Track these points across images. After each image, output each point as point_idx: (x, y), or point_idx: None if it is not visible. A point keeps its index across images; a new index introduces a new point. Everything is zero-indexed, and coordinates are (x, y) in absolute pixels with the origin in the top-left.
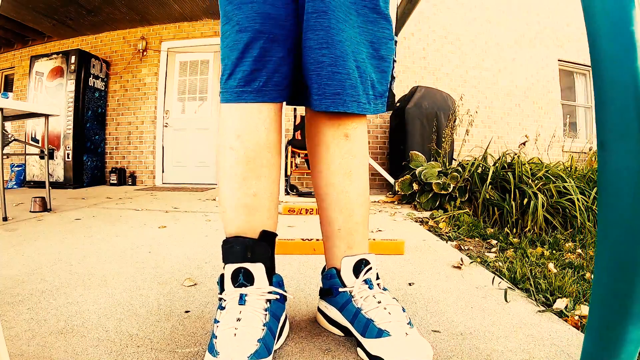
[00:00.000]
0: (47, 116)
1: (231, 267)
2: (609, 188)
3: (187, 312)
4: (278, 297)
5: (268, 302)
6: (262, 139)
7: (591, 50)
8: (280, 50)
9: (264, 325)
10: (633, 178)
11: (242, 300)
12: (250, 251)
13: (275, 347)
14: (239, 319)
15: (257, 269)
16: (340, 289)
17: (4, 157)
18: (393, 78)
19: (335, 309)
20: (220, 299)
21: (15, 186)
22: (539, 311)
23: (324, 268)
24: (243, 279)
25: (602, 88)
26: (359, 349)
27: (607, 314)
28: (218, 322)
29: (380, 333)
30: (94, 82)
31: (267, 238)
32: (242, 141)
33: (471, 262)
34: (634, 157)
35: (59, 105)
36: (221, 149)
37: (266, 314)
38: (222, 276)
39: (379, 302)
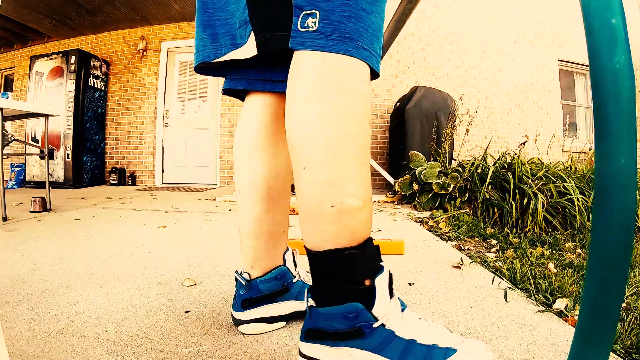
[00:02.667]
0: (47, 116)
1: (387, 276)
2: (604, 189)
3: (187, 312)
4: None
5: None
6: None
7: (588, 47)
8: None
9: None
10: (625, 178)
11: (403, 306)
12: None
13: None
14: (421, 318)
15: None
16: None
17: (4, 157)
18: None
19: (288, 301)
20: (376, 319)
21: (15, 186)
22: (539, 311)
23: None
24: (390, 284)
25: (598, 88)
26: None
27: (597, 313)
28: (414, 337)
29: None
30: (93, 82)
31: None
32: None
33: (471, 262)
34: (626, 158)
35: (59, 105)
36: (357, 130)
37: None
38: (368, 293)
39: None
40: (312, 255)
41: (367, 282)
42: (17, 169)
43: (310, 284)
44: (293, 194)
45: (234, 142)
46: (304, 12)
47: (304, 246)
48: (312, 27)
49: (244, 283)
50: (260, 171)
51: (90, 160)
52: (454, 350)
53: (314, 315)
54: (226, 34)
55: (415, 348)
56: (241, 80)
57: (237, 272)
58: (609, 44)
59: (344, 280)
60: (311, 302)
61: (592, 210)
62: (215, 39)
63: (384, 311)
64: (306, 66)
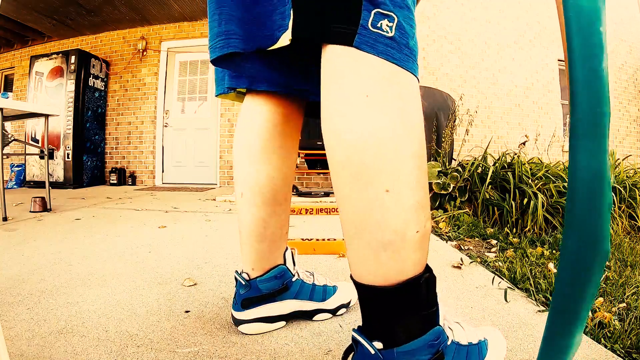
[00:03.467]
0: (47, 116)
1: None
2: (574, 192)
3: (187, 312)
4: None
5: None
6: None
7: (568, 49)
8: None
9: None
10: (593, 180)
11: None
12: None
13: None
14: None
15: None
16: (294, 279)
17: (4, 157)
18: None
19: (287, 300)
20: (448, 336)
21: (15, 186)
22: (539, 311)
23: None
24: None
25: (573, 89)
26: (318, 315)
27: (562, 318)
28: (470, 340)
29: (335, 289)
30: (93, 82)
31: None
32: None
33: (471, 262)
34: (596, 158)
35: (59, 105)
36: (424, 147)
37: None
38: (436, 312)
39: (312, 275)
40: (385, 291)
41: None
42: (17, 169)
43: (310, 283)
44: (293, 194)
45: (234, 142)
46: (378, 11)
47: (362, 284)
48: (388, 33)
49: (243, 283)
50: (268, 174)
51: (90, 160)
52: (486, 340)
53: (390, 358)
54: (275, 12)
55: (471, 349)
56: (242, 79)
57: (237, 272)
58: (599, 51)
59: (424, 307)
60: (378, 345)
61: (567, 196)
62: (260, 22)
63: (446, 325)
64: (376, 73)
